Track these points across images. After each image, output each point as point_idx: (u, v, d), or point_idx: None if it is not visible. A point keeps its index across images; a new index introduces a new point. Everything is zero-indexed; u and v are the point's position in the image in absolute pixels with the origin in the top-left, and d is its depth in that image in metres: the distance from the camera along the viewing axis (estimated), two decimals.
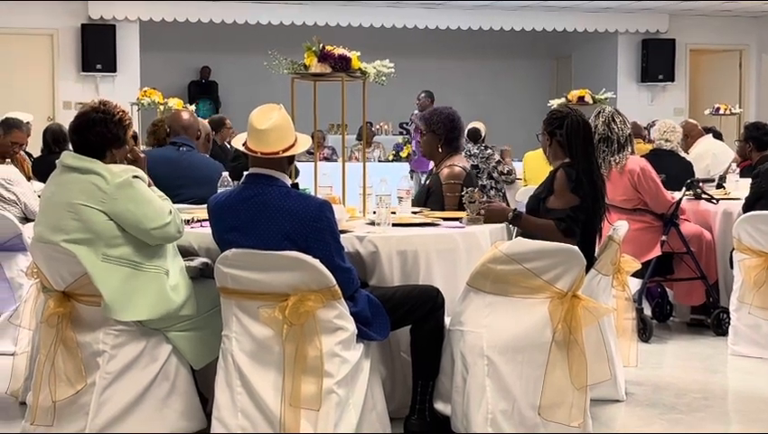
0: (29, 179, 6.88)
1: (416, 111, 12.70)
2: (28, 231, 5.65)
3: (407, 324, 4.23)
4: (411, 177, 11.68)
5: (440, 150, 5.58)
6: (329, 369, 3.82)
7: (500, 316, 4.06)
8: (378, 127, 15.80)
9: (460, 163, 5.57)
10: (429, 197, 5.55)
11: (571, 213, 4.47)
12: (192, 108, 11.17)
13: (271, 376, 3.87)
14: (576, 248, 4.12)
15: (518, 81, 17.82)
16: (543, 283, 4.05)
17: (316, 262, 3.80)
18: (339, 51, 4.83)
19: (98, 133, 4.11)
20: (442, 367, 4.21)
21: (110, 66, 14.47)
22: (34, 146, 9.53)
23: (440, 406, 4.21)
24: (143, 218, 4.03)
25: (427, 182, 5.71)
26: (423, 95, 12.74)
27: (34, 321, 4.51)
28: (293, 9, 14.94)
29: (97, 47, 14.38)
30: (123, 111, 4.22)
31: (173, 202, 4.31)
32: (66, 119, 9.58)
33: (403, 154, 13.37)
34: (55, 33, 14.55)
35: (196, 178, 5.68)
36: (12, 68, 14.22)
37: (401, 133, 15.16)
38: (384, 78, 4.96)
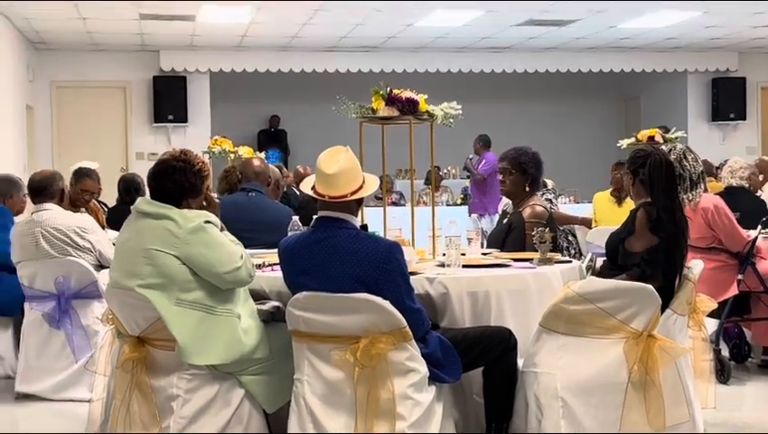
0: (103, 228, 6.99)
1: (471, 156, 12.82)
2: (103, 278, 5.74)
3: (480, 365, 4.19)
4: (480, 219, 11.69)
5: (526, 189, 5.54)
6: (401, 412, 3.79)
7: (574, 357, 4.01)
8: (445, 171, 15.82)
9: (541, 202, 5.53)
10: (509, 236, 5.48)
11: (647, 256, 4.42)
12: (262, 155, 11.30)
13: (343, 419, 3.86)
14: (650, 286, 4.05)
15: (585, 123, 17.75)
16: (617, 323, 3.99)
17: (386, 304, 3.79)
18: (406, 94, 4.85)
19: (176, 181, 4.18)
20: (515, 409, 4.16)
21: (182, 116, 14.74)
22: (108, 195, 9.71)
23: None
24: (215, 262, 4.07)
25: (504, 221, 5.65)
26: (477, 140, 12.90)
27: (110, 367, 4.56)
28: (359, 57, 15.10)
29: (168, 98, 14.68)
30: (203, 162, 4.29)
31: (245, 247, 4.35)
32: (139, 169, 9.79)
33: None
34: (128, 86, 14.89)
35: (266, 223, 5.74)
36: (87, 119, 14.59)
37: (468, 177, 15.16)
38: (452, 120, 4.96)
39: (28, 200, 6.71)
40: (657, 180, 4.54)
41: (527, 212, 5.45)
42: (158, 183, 4.22)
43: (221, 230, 4.22)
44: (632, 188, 4.67)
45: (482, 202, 12.22)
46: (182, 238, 4.05)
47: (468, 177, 14.42)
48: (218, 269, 4.07)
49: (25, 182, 6.37)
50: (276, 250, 4.25)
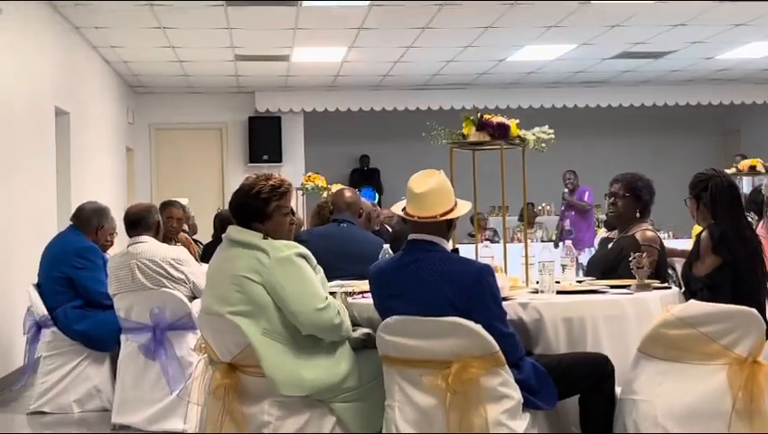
0: (196, 261, 7.06)
1: (566, 190, 12.68)
2: (196, 308, 5.78)
3: (576, 393, 4.06)
4: (576, 249, 11.49)
5: (636, 215, 5.39)
6: None
7: (674, 384, 3.86)
8: (539, 208, 15.66)
9: (650, 228, 5.37)
10: (622, 261, 5.27)
11: (708, 280, 4.35)
12: None
13: None
14: (754, 310, 3.89)
15: (683, 158, 17.39)
16: (720, 348, 3.84)
17: (478, 327, 3.71)
18: (497, 119, 4.79)
19: (238, 205, 4.20)
20: None
21: (276, 156, 14.94)
22: (205, 233, 9.84)
23: None
24: (292, 297, 3.99)
25: (609, 246, 5.43)
26: (569, 175, 12.78)
27: (203, 396, 4.56)
28: (450, 94, 15.10)
29: (263, 138, 14.91)
30: (265, 183, 4.19)
31: (334, 278, 4.30)
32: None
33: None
34: (224, 127, 15.16)
35: (357, 254, 5.68)
36: (184, 160, 14.89)
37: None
38: (544, 144, 4.88)
39: (117, 231, 6.84)
40: (720, 201, 4.53)
41: (640, 235, 5.25)
42: (231, 210, 4.26)
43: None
44: (697, 213, 4.66)
45: (584, 235, 12.04)
46: (267, 267, 4.03)
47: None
48: (294, 307, 3.99)
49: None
50: (367, 281, 4.21)
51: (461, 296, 3.76)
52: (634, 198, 5.34)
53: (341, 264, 5.41)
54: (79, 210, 6.86)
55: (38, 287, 6.69)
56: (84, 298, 6.55)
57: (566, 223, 12.52)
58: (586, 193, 12.58)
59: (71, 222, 6.86)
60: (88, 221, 6.74)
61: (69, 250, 6.61)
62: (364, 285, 4.56)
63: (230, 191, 14.65)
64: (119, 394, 6.06)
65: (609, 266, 5.21)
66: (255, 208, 4.17)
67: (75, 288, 6.56)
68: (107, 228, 6.78)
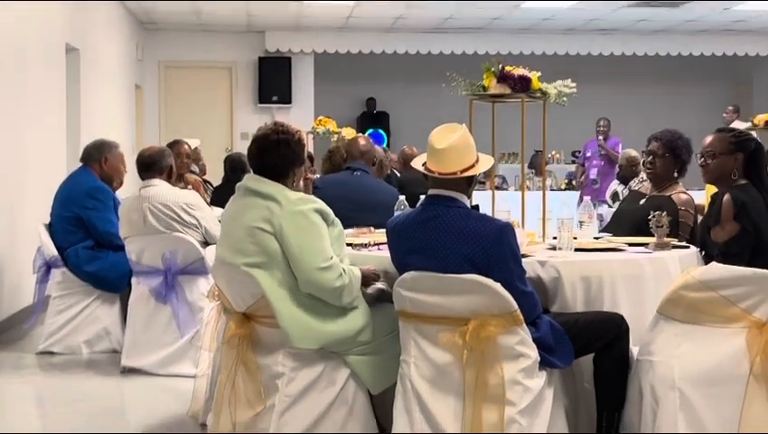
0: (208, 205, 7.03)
1: (601, 137, 12.46)
2: (209, 254, 5.76)
3: (591, 352, 4.04)
4: (594, 205, 11.40)
5: (674, 175, 5.33)
6: (511, 397, 3.68)
7: (692, 347, 3.82)
8: (549, 156, 15.59)
9: (684, 190, 5.30)
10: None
11: (724, 247, 4.30)
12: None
13: (451, 403, 3.76)
14: None
15: (694, 108, 17.26)
16: (740, 311, 3.79)
17: (497, 286, 3.67)
18: (519, 71, 4.71)
19: (282, 154, 4.12)
20: (629, 398, 4.00)
21: (286, 97, 14.83)
22: (214, 174, 9.81)
23: None
24: (298, 249, 3.93)
25: (641, 202, 5.36)
26: (603, 122, 12.55)
27: (215, 343, 4.55)
28: (463, 38, 14.94)
29: (273, 79, 14.79)
30: (298, 130, 4.23)
31: (347, 227, 4.27)
32: (243, 149, 9.86)
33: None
34: (234, 66, 15.03)
35: (371, 203, 5.66)
36: (193, 99, 14.80)
37: (573, 161, 14.92)
38: (565, 98, 4.81)
39: (127, 169, 6.81)
40: (753, 163, 4.47)
41: (676, 198, 5.19)
42: (263, 158, 4.15)
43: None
44: (714, 170, 4.58)
45: (608, 185, 11.91)
46: (278, 217, 3.98)
47: (574, 162, 14.16)
48: (294, 261, 3.93)
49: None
50: (382, 231, 4.16)
51: (481, 254, 3.71)
52: (673, 158, 5.26)
53: (355, 213, 5.37)
54: (85, 148, 6.83)
55: (49, 226, 6.67)
56: (95, 239, 6.53)
57: (593, 173, 12.38)
58: (619, 145, 12.39)
59: (81, 163, 6.82)
60: (91, 156, 6.71)
61: (79, 190, 6.58)
62: (380, 236, 4.52)
63: (239, 132, 14.71)
64: (129, 337, 6.07)
65: (640, 224, 5.14)
66: (298, 155, 4.14)
67: (86, 229, 6.54)
68: (111, 158, 6.70)
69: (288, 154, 4.13)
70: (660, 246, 4.53)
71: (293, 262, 3.97)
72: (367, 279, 4.16)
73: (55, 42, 8.94)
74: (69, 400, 5.48)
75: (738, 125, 10.15)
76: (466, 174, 3.84)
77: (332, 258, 3.99)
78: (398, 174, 9.87)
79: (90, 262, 6.49)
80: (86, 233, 6.55)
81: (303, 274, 3.95)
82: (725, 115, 13.20)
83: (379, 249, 4.56)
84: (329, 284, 3.96)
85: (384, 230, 4.12)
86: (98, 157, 6.68)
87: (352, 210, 5.38)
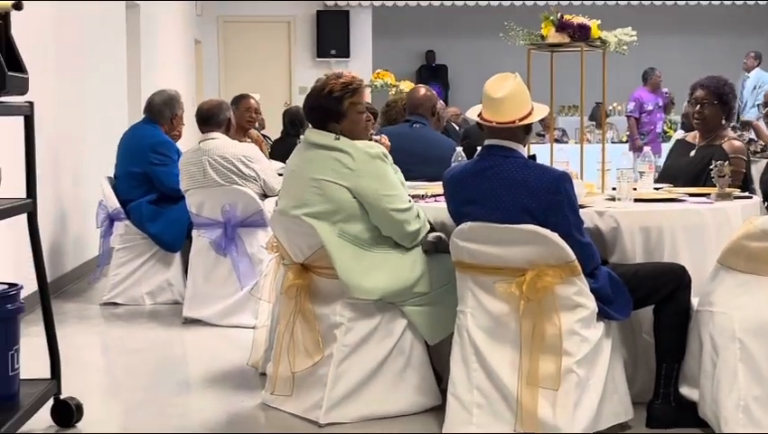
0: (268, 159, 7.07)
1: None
2: (268, 207, 5.80)
3: (651, 303, 4.01)
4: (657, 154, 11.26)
5: (722, 122, 5.24)
6: (568, 348, 3.67)
7: (754, 297, 3.76)
8: (611, 108, 15.37)
9: (735, 136, 5.20)
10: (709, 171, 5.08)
11: None
12: None
13: (508, 353, 3.76)
14: None
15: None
16: None
17: (555, 236, 3.65)
18: (578, 19, 4.64)
19: (311, 108, 4.16)
20: (688, 350, 3.97)
21: (344, 51, 14.80)
22: (272, 129, 9.84)
23: (686, 391, 3.96)
24: (383, 195, 4.01)
25: (691, 154, 5.27)
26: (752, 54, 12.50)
27: (274, 294, 4.60)
28: None
29: (331, 33, 14.75)
30: (335, 81, 4.12)
31: (406, 179, 4.27)
32: (302, 103, 9.89)
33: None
34: (292, 20, 15.02)
35: (428, 156, 5.63)
36: (252, 54, 14.84)
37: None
38: (626, 47, 4.73)
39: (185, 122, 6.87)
40: None
41: (728, 146, 5.10)
42: (305, 113, 4.24)
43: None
44: None
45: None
46: (355, 170, 4.00)
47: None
48: (386, 204, 4.01)
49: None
50: (439, 183, 4.16)
51: (538, 204, 3.69)
52: (721, 105, 5.17)
53: (413, 166, 5.35)
54: (150, 102, 6.87)
55: (115, 178, 6.78)
56: (159, 192, 6.62)
57: (660, 126, 12.20)
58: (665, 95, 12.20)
59: (144, 115, 6.88)
60: (161, 113, 6.78)
61: (144, 145, 6.67)
62: (437, 187, 4.51)
63: (298, 86, 14.73)
64: (190, 288, 6.15)
65: (694, 175, 5.07)
66: (328, 108, 4.11)
67: (150, 183, 6.63)
68: (180, 115, 6.81)
69: (317, 108, 4.13)
70: (722, 196, 4.46)
71: (372, 208, 4.01)
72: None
73: None
74: (132, 349, 5.58)
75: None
76: (524, 122, 3.81)
77: (409, 200, 4.06)
78: (456, 127, 9.82)
79: (153, 221, 6.58)
80: (150, 187, 6.64)
81: (388, 216, 4.02)
82: (745, 61, 13.06)
83: (436, 200, 4.55)
84: (409, 226, 4.06)
85: (441, 182, 4.11)
86: (169, 115, 6.77)
87: (410, 163, 5.34)
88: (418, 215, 4.12)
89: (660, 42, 15.84)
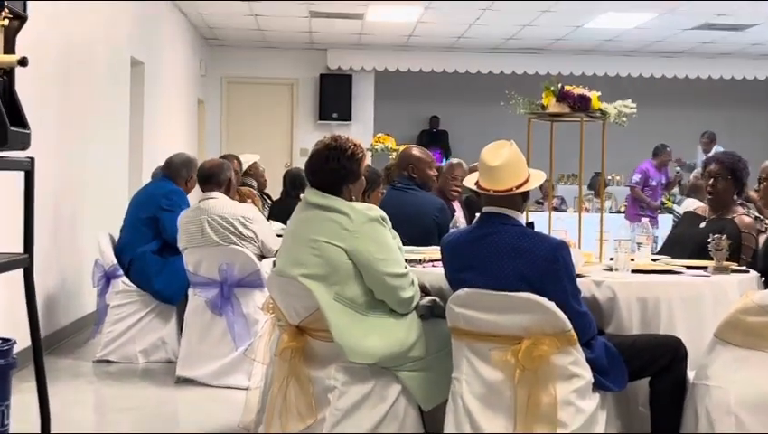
0: (267, 219, 7.09)
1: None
2: (265, 267, 5.80)
3: (646, 375, 3.98)
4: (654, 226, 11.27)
5: (734, 198, 5.28)
6: (563, 418, 3.64)
7: (750, 372, 3.75)
8: (609, 177, 15.43)
9: (745, 213, 5.22)
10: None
11: None
12: None
13: (502, 422, 3.73)
14: None
15: (758, 133, 17.00)
16: None
17: (551, 305, 3.64)
18: (578, 90, 4.69)
19: (331, 170, 4.11)
20: (684, 423, 3.93)
21: (346, 114, 14.91)
22: (273, 189, 9.88)
23: None
24: (379, 259, 3.99)
25: (701, 225, 5.29)
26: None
27: (268, 356, 4.57)
28: (525, 59, 14.91)
29: (334, 96, 14.89)
30: (355, 145, 4.16)
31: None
32: (303, 165, 9.97)
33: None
34: (295, 83, 15.15)
35: (406, 216, 5.54)
36: (254, 114, 14.96)
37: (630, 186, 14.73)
38: (625, 119, 4.77)
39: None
40: None
41: (740, 220, 5.13)
42: (315, 173, 4.17)
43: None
44: None
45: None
46: (353, 231, 3.99)
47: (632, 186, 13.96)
48: (380, 267, 3.98)
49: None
50: (430, 247, 4.16)
51: (535, 272, 3.69)
52: (734, 180, 5.21)
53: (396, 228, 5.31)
54: (170, 161, 7.02)
55: (121, 231, 6.81)
56: (162, 241, 6.63)
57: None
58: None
59: (162, 173, 6.97)
60: (179, 173, 6.91)
61: (158, 193, 6.80)
62: (434, 253, 4.51)
63: (299, 148, 14.85)
64: (185, 347, 6.12)
65: (703, 245, 5.06)
66: (351, 170, 4.11)
67: (156, 230, 6.66)
68: (194, 178, 6.90)
69: (339, 170, 4.10)
70: (719, 269, 4.46)
71: (367, 271, 3.98)
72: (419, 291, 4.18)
73: (121, 54, 9.09)
74: (123, 407, 5.54)
75: None
76: (521, 189, 3.83)
77: (405, 266, 4.05)
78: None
79: (158, 275, 6.58)
80: (155, 234, 6.67)
81: (383, 281, 3.98)
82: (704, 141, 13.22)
83: (433, 265, 4.55)
84: (404, 293, 4.03)
85: (425, 244, 4.10)
86: (186, 175, 6.90)
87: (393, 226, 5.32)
88: (413, 282, 4.10)
89: (665, 114, 15.99)
